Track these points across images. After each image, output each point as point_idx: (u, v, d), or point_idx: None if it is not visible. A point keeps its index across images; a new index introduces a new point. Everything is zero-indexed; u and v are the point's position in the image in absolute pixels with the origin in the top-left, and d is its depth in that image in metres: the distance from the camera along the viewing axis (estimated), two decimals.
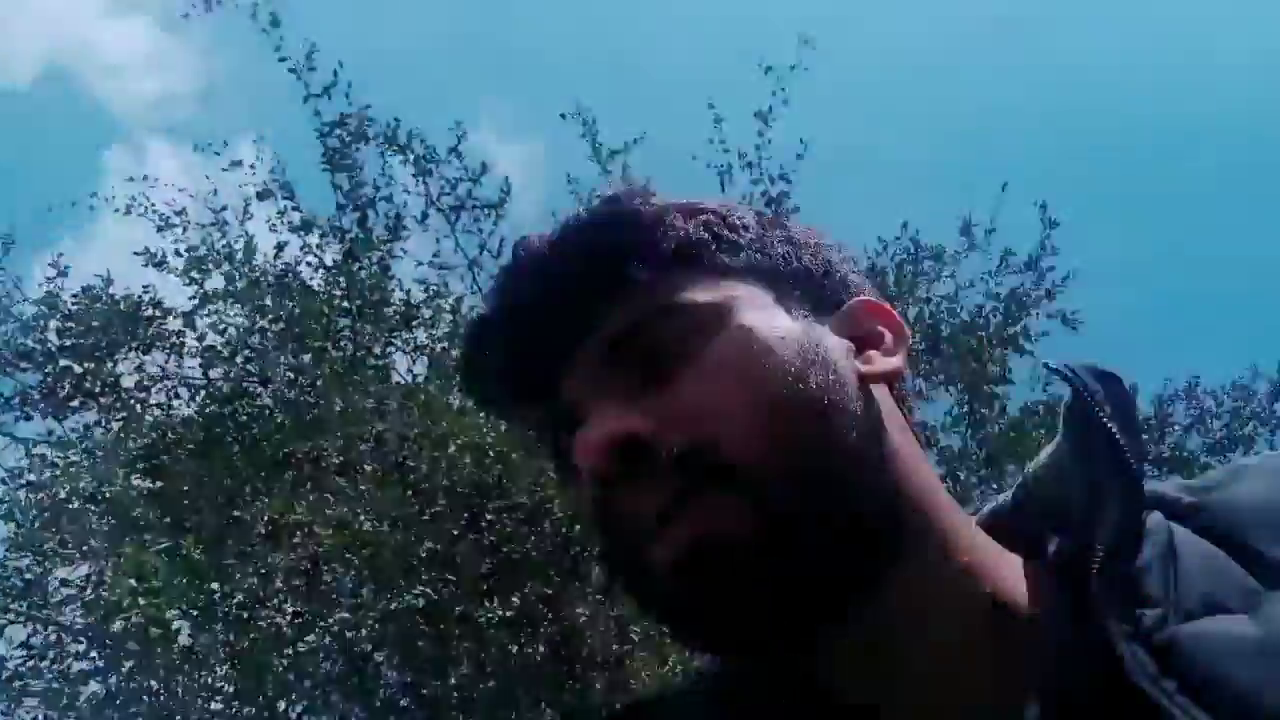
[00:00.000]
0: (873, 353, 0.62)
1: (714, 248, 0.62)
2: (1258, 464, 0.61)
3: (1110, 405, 0.57)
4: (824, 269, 0.66)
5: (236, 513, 5.58)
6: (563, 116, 6.87)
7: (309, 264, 6.82)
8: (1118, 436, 0.56)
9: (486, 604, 5.31)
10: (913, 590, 0.55)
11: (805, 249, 0.65)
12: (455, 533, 5.48)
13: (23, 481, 6.53)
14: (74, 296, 6.77)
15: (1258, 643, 0.49)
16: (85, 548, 6.06)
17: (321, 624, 5.36)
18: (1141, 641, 0.50)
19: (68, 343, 6.65)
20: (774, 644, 0.55)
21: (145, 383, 6.74)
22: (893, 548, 0.55)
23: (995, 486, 6.98)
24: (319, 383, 6.03)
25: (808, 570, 0.52)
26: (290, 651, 5.42)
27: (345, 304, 6.48)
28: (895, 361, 0.63)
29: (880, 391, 0.61)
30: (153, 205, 6.96)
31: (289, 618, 5.34)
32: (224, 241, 6.88)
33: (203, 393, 6.62)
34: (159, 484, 5.97)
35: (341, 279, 6.67)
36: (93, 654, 6.28)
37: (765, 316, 0.59)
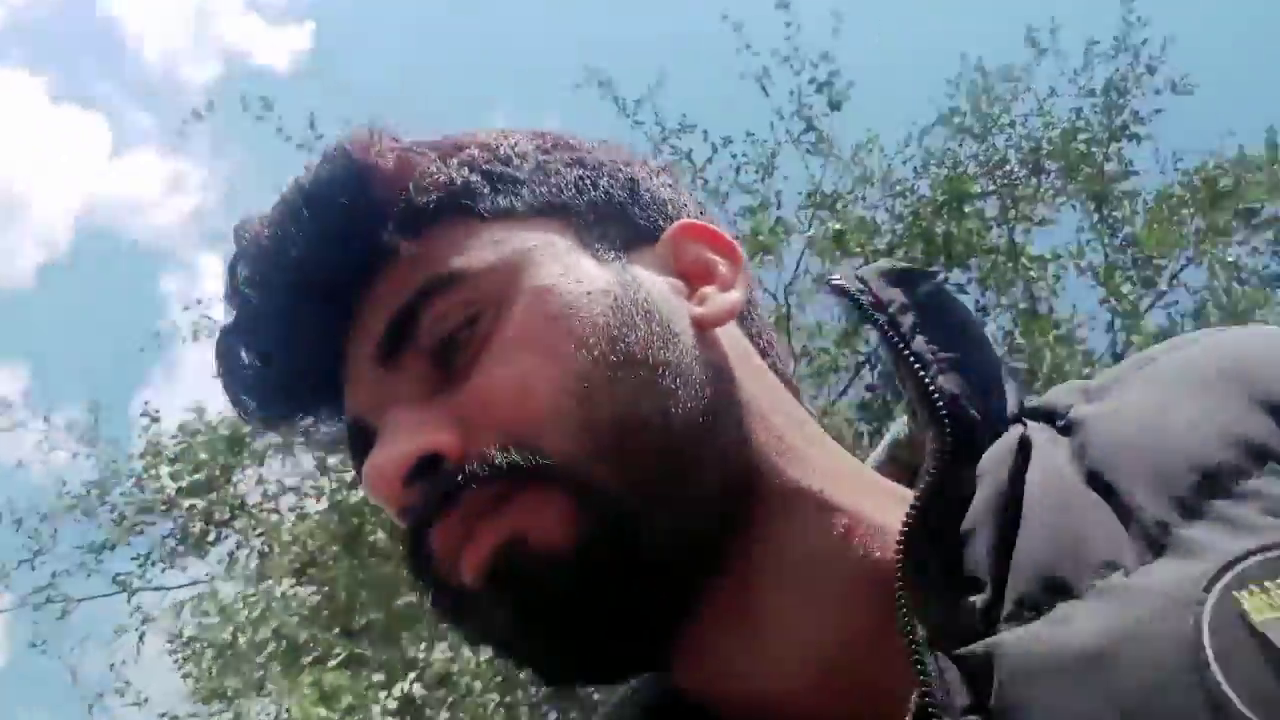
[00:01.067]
0: (707, 289, 0.53)
1: (487, 190, 0.51)
2: (1153, 366, 0.46)
3: (912, 307, 0.48)
4: (630, 190, 0.55)
5: (403, 600, 5.39)
6: (577, 86, 6.48)
7: None
8: (906, 349, 0.47)
9: None
10: (777, 566, 0.46)
11: (602, 171, 0.55)
12: None
13: (182, 634, 6.52)
14: (173, 437, 6.71)
15: (1088, 658, 0.34)
16: (265, 680, 6.01)
17: None
18: (955, 650, 0.38)
19: (183, 484, 6.58)
20: (611, 665, 0.47)
21: (271, 493, 6.72)
22: (743, 521, 0.47)
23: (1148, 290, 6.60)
24: None
25: (641, 572, 0.44)
26: None
27: None
28: (735, 296, 0.53)
29: (725, 333, 0.52)
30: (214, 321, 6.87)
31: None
32: None
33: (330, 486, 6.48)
34: (322, 589, 5.80)
35: None
36: None
37: (565, 267, 0.50)
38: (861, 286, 0.49)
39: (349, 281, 0.50)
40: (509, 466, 0.44)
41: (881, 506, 0.47)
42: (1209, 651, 0.33)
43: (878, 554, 0.45)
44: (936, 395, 0.45)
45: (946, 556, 0.41)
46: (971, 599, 0.39)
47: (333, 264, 0.50)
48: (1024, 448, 0.44)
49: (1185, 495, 0.38)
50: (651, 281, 0.51)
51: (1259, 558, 0.35)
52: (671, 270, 0.53)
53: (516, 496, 0.44)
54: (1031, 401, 0.49)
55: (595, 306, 0.48)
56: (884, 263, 0.51)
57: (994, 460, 0.44)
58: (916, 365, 0.46)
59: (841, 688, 0.43)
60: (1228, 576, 0.34)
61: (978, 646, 0.37)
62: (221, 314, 0.54)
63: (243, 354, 0.53)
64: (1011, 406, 0.48)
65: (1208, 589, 0.34)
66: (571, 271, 0.49)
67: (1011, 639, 0.37)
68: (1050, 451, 0.44)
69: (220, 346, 0.53)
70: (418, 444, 0.45)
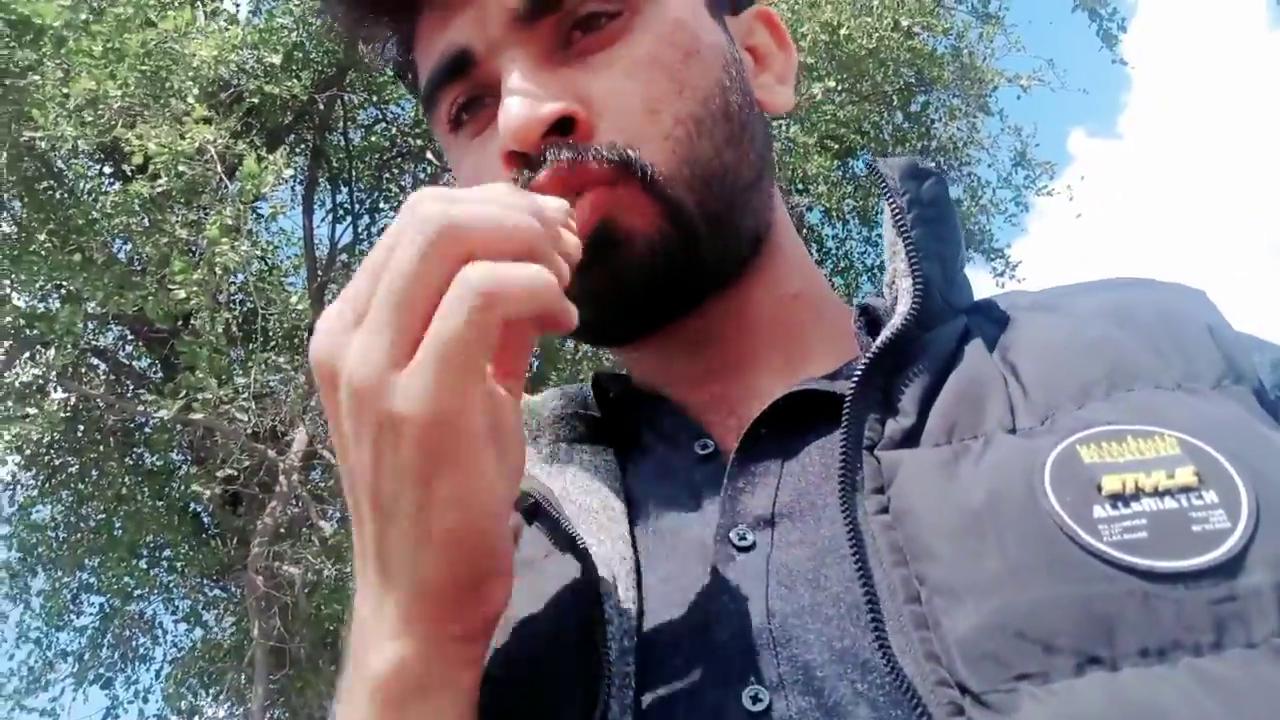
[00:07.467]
0: (767, 78, 0.62)
1: None
2: (1088, 296, 0.57)
3: (918, 202, 0.56)
4: None
5: None
6: None
7: None
8: (910, 233, 0.55)
9: None
10: (748, 301, 0.59)
11: None
12: None
13: None
14: None
15: (967, 511, 0.44)
16: None
17: None
18: (870, 449, 0.48)
19: None
20: (639, 325, 0.58)
21: None
22: (749, 262, 0.59)
23: None
24: None
25: (685, 269, 0.55)
26: None
27: None
28: (787, 95, 0.62)
29: (765, 118, 0.60)
30: None
31: None
32: None
33: None
34: None
35: None
36: None
37: (693, 10, 0.57)
38: (889, 175, 0.57)
39: None
40: (622, 160, 0.52)
41: (842, 314, 0.61)
42: (1046, 473, 0.44)
43: (803, 319, 0.59)
44: (920, 275, 0.54)
45: (888, 389, 0.51)
46: (899, 422, 0.49)
47: None
48: (965, 334, 0.54)
49: (1072, 394, 0.48)
50: (741, 53, 0.59)
51: (1102, 429, 0.46)
52: (745, 47, 0.61)
53: (615, 187, 0.52)
54: (981, 298, 0.60)
55: (714, 59, 0.56)
56: (906, 160, 0.59)
57: (942, 336, 0.53)
58: (911, 249, 0.55)
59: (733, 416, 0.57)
60: (1076, 437, 0.46)
61: (891, 454, 0.48)
62: None
63: None
64: (965, 301, 0.59)
65: (1058, 444, 0.45)
66: (698, 17, 0.57)
67: (908, 458, 0.47)
68: (981, 340, 0.53)
69: None
70: (563, 107, 0.51)
